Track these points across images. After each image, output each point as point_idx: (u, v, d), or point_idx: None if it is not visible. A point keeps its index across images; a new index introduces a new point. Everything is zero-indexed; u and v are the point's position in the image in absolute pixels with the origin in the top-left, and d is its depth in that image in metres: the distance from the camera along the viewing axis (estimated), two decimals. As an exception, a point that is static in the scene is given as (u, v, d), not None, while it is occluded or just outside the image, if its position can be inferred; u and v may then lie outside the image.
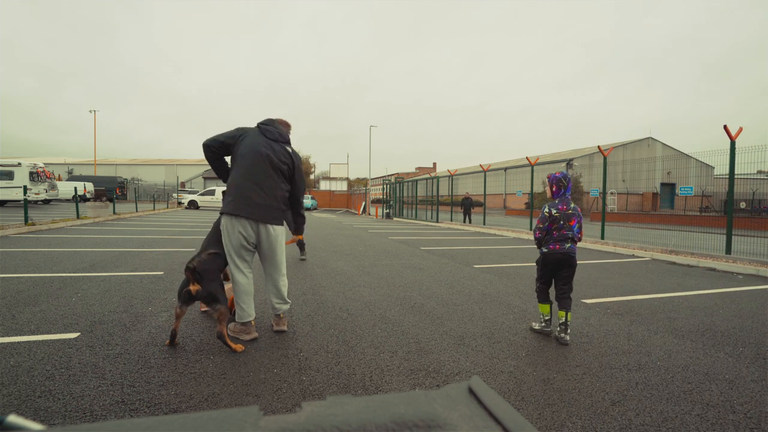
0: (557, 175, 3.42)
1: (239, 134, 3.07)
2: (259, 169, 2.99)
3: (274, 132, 3.12)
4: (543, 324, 3.38)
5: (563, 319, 3.21)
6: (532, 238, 12.18)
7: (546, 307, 3.39)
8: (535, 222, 3.45)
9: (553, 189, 3.42)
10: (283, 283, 3.22)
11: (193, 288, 2.77)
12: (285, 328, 3.22)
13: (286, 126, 3.33)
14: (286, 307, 3.22)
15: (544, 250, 3.40)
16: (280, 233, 3.14)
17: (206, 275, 2.83)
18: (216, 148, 3.04)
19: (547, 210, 3.37)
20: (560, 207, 3.35)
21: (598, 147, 12.19)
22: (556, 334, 3.25)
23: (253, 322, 3.06)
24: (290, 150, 3.18)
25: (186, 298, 2.81)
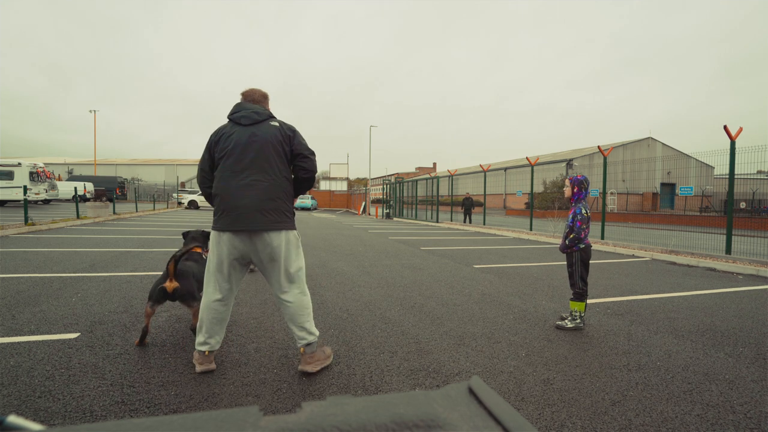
0: (579, 177, 3.59)
1: (215, 139, 2.54)
2: (241, 164, 2.46)
3: (250, 116, 2.52)
4: (578, 321, 3.49)
5: (583, 310, 3.49)
6: (531, 238, 12.17)
7: (583, 305, 3.51)
8: (568, 224, 3.62)
9: (575, 190, 3.59)
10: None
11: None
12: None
13: (262, 96, 2.71)
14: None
15: (581, 246, 3.56)
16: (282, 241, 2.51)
17: None
18: (208, 172, 2.58)
19: (584, 211, 3.54)
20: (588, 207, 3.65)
21: (598, 147, 12.20)
22: (577, 324, 3.48)
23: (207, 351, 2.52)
24: (277, 124, 2.55)
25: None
